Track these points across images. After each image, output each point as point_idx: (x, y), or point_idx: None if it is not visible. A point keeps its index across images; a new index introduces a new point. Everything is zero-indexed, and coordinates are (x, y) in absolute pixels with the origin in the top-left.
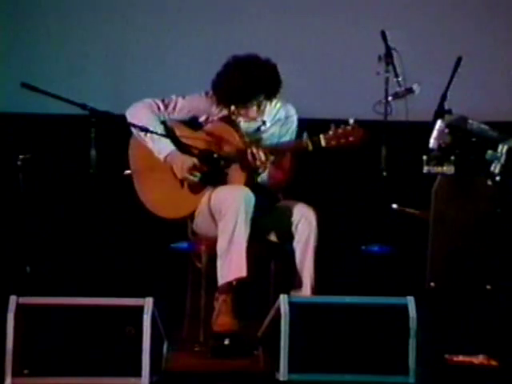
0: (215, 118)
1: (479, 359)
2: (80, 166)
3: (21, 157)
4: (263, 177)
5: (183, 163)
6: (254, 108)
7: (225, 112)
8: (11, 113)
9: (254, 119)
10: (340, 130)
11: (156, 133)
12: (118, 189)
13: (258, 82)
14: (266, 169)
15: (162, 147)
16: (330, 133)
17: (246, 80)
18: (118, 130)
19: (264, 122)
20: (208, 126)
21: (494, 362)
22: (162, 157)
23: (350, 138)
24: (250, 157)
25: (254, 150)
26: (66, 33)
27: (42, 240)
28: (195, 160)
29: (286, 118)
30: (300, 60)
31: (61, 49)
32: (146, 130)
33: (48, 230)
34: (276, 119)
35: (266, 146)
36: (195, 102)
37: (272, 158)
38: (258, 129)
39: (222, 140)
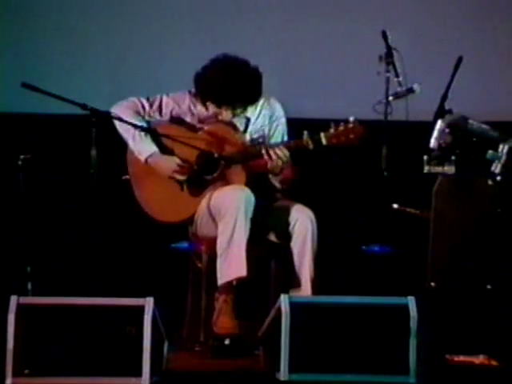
0: (205, 116)
1: (479, 359)
2: (80, 165)
3: (21, 157)
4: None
5: (166, 164)
6: (229, 112)
7: (211, 111)
8: (11, 113)
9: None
10: (340, 128)
11: (142, 127)
12: (119, 188)
13: (240, 88)
14: (287, 160)
15: (143, 148)
16: (331, 131)
17: (228, 83)
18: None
19: (249, 119)
20: (208, 127)
21: (494, 362)
22: (142, 158)
23: (351, 136)
24: (274, 157)
25: (277, 150)
26: (66, 32)
27: (42, 240)
28: (177, 160)
29: (271, 116)
30: (300, 60)
31: (60, 48)
32: (145, 130)
33: (48, 230)
34: (262, 114)
35: (270, 145)
36: (179, 100)
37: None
38: (246, 126)
39: (223, 140)
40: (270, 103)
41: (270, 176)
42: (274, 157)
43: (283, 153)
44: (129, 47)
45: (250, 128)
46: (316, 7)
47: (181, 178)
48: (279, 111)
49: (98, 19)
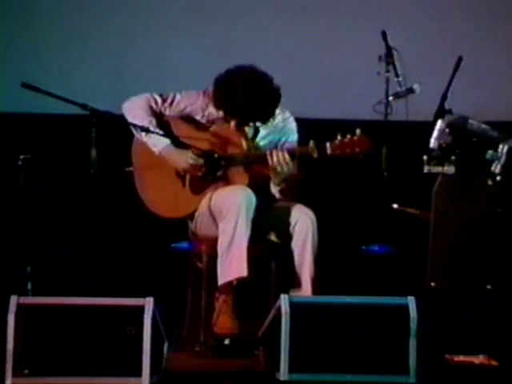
0: (214, 117)
1: (479, 359)
2: (81, 165)
3: (21, 157)
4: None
5: (181, 158)
6: (233, 123)
7: (221, 114)
8: (11, 113)
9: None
10: (346, 140)
11: (151, 131)
12: (119, 189)
13: (255, 110)
14: (289, 169)
15: (157, 141)
16: (337, 142)
17: (246, 103)
18: (118, 130)
19: (258, 129)
20: (214, 127)
21: (494, 362)
22: (156, 150)
23: (356, 149)
24: (275, 159)
25: (279, 153)
26: (66, 32)
27: (42, 240)
28: (191, 153)
29: (282, 128)
30: (300, 60)
31: (61, 48)
32: (146, 130)
33: (48, 229)
34: (273, 125)
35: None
36: (192, 99)
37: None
38: (255, 134)
39: (226, 142)
40: (284, 116)
41: (271, 183)
42: (274, 159)
43: (285, 160)
44: (129, 47)
45: (260, 136)
46: (316, 7)
47: (195, 173)
48: (287, 114)
49: (98, 19)
